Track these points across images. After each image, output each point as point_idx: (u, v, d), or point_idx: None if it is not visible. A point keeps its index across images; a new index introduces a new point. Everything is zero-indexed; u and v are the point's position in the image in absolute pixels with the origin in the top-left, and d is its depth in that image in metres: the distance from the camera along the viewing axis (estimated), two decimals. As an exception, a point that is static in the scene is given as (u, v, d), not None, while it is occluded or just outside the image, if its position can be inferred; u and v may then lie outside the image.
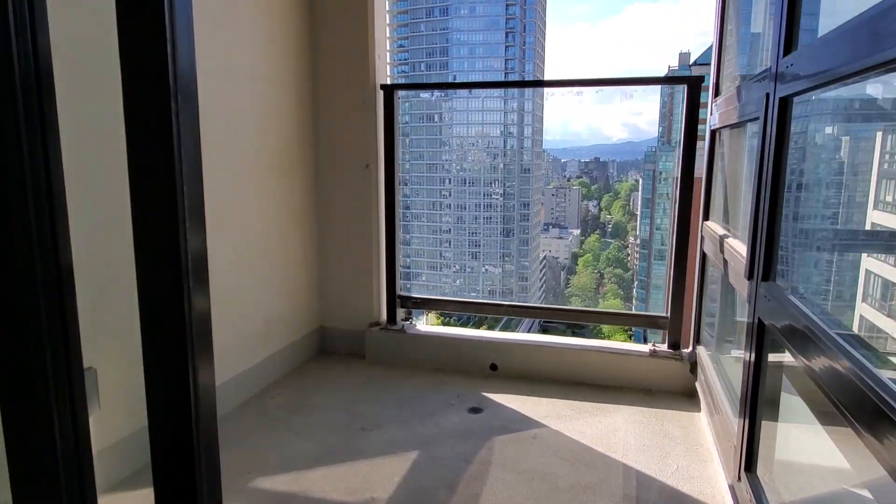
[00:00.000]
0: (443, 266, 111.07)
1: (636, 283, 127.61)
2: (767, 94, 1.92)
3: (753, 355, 1.92)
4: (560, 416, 3.10)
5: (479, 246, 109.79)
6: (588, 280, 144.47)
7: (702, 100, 3.24)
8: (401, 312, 4.02)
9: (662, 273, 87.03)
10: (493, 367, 3.67)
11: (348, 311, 3.98)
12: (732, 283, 2.43)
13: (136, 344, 0.98)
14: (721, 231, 2.80)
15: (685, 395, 3.32)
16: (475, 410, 3.21)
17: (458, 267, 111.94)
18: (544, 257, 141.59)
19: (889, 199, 2.02)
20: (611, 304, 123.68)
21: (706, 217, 3.21)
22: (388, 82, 3.81)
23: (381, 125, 3.75)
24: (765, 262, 1.89)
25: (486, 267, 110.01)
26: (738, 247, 2.34)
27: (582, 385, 3.48)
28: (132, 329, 1.02)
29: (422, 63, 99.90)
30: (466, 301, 4.14)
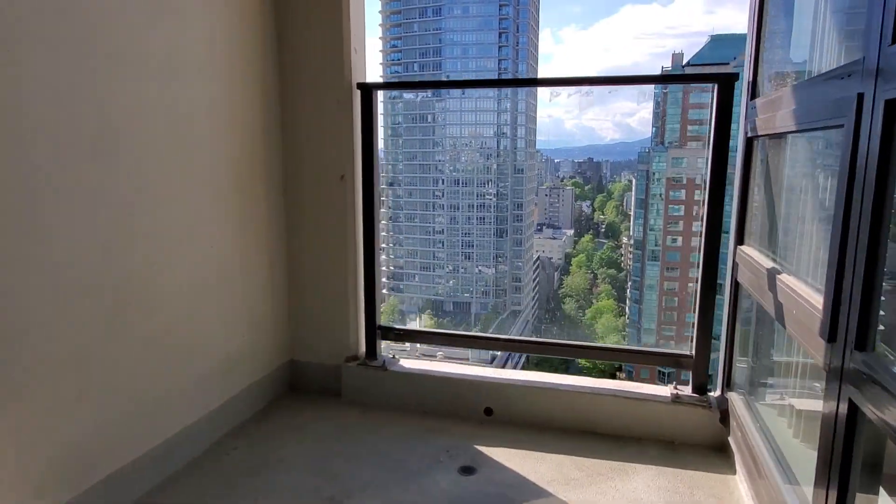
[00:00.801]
0: (436, 267, 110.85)
1: (630, 283, 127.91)
2: (860, 95, 1.41)
3: (841, 457, 1.41)
4: (568, 480, 2.59)
5: (473, 247, 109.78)
6: (581, 280, 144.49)
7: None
8: (382, 345, 3.50)
9: (655, 273, 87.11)
10: (488, 411, 3.16)
11: (322, 343, 3.46)
12: (793, 334, 1.91)
13: None
14: (767, 263, 2.29)
15: (714, 451, 2.82)
16: (467, 471, 2.70)
17: (451, 267, 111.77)
18: (538, 258, 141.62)
19: None
20: (604, 305, 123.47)
21: (740, 241, 2.71)
22: (367, 80, 3.29)
23: (358, 130, 3.23)
24: (859, 323, 1.37)
25: (480, 267, 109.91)
26: (803, 291, 1.83)
27: (592, 435, 2.97)
28: None
29: (415, 63, 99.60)
30: (456, 334, 3.63)
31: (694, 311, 2.84)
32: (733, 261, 2.73)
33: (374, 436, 3.01)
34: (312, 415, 3.24)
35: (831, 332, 1.50)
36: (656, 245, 78.94)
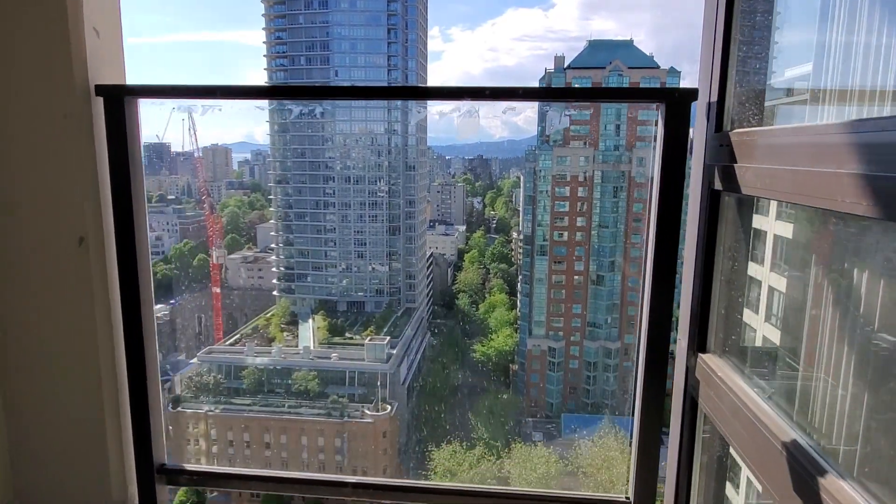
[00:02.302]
0: (328, 266, 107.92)
1: (520, 277, 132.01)
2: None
3: None
4: None
5: (366, 245, 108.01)
6: (474, 276, 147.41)
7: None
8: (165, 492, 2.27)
9: (544, 268, 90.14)
10: None
11: (66, 486, 2.17)
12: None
13: None
14: (757, 401, 1.35)
15: None
16: None
17: (344, 266, 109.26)
18: (431, 255, 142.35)
19: None
20: (497, 300, 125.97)
21: (701, 347, 1.78)
22: (119, 82, 2.04)
23: (104, 160, 1.97)
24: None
25: (373, 265, 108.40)
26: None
27: None
28: None
29: (301, 57, 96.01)
30: (281, 478, 2.44)
31: (630, 445, 1.90)
32: (687, 374, 1.81)
33: None
34: None
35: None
36: (544, 240, 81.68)
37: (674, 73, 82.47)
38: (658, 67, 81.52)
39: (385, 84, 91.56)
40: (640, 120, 79.77)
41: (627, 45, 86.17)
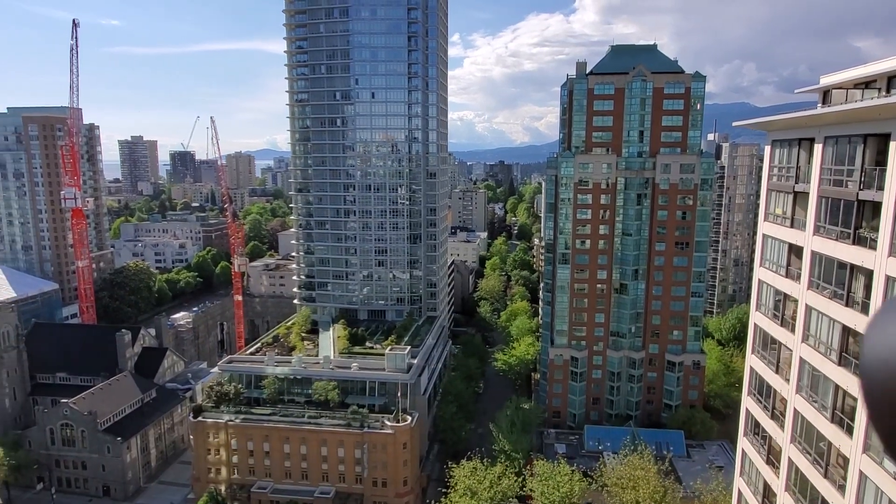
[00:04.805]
0: (349, 275, 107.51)
1: (542, 285, 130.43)
2: None
3: None
4: None
5: (387, 253, 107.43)
6: (496, 283, 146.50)
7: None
8: None
9: (567, 276, 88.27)
10: None
11: None
12: None
13: None
14: None
15: None
16: None
17: (365, 274, 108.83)
18: (452, 262, 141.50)
19: None
20: (518, 307, 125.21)
21: None
22: None
23: None
24: None
25: (394, 273, 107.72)
26: None
27: None
28: None
29: (322, 65, 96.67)
30: None
31: None
32: None
33: None
34: None
35: None
36: (566, 248, 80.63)
37: (699, 77, 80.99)
38: (682, 72, 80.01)
39: (405, 91, 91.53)
40: (665, 126, 78.44)
41: (651, 50, 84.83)
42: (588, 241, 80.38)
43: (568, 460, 61.48)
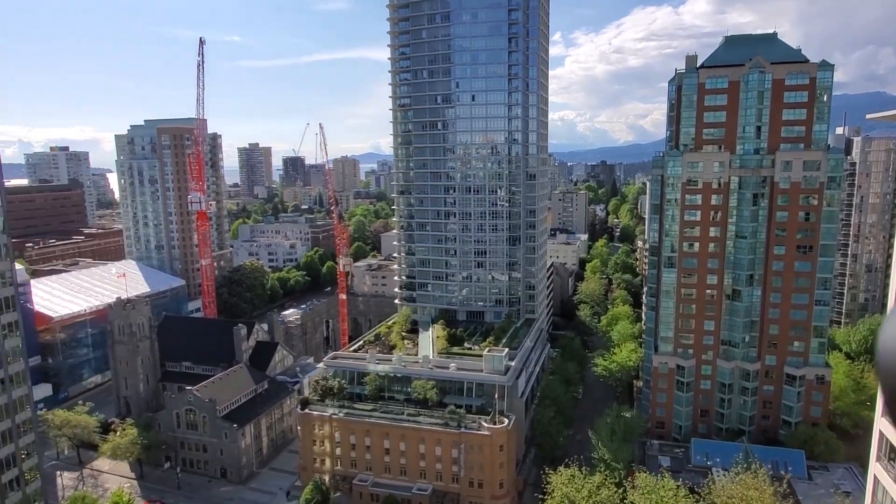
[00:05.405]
0: (448, 276, 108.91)
1: (646, 289, 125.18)
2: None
3: None
4: None
5: (486, 254, 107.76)
6: (596, 286, 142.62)
7: None
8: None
9: (673, 280, 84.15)
10: None
11: None
12: None
13: None
14: None
15: None
16: None
17: (464, 275, 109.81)
18: (552, 264, 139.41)
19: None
20: (620, 312, 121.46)
21: None
22: None
23: None
24: None
25: (493, 275, 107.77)
26: None
27: None
28: None
29: (424, 70, 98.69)
30: None
31: None
32: None
33: None
34: None
35: None
36: (672, 251, 76.74)
37: (826, 66, 74.16)
38: (806, 61, 73.66)
39: (505, 93, 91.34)
40: (787, 120, 72.59)
41: (770, 39, 78.92)
42: (697, 244, 76.07)
43: (673, 474, 58.55)
